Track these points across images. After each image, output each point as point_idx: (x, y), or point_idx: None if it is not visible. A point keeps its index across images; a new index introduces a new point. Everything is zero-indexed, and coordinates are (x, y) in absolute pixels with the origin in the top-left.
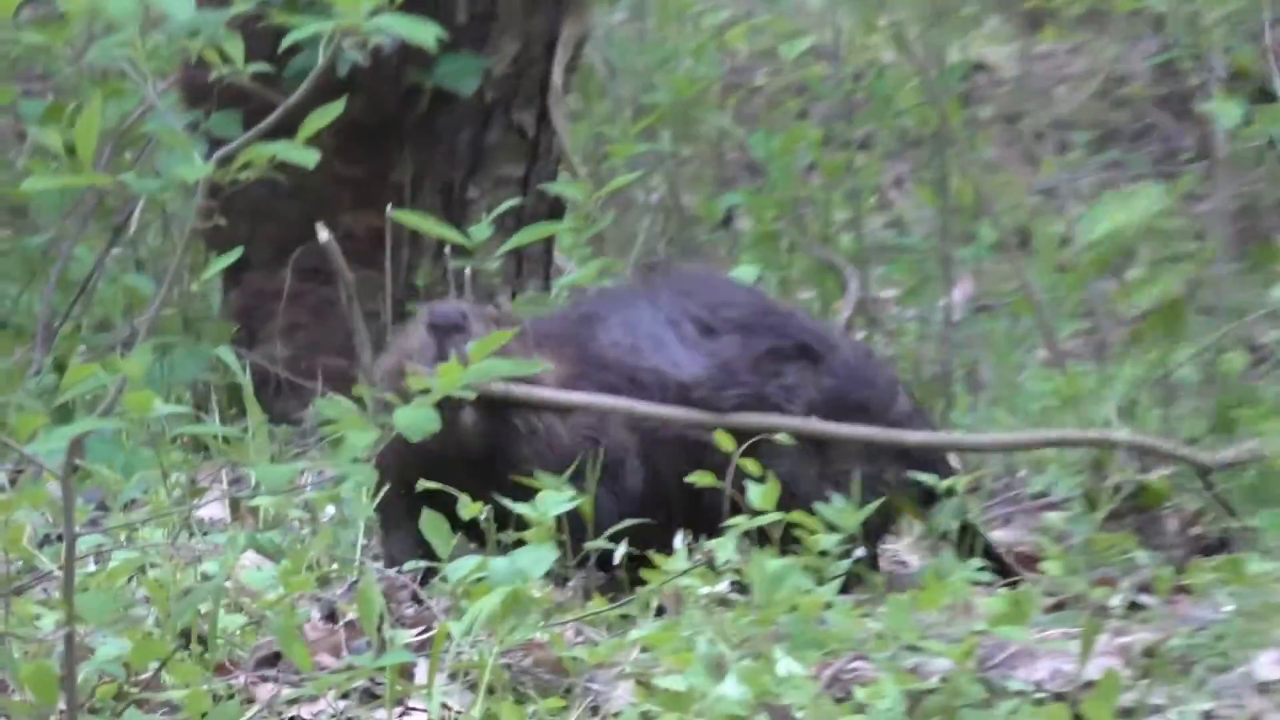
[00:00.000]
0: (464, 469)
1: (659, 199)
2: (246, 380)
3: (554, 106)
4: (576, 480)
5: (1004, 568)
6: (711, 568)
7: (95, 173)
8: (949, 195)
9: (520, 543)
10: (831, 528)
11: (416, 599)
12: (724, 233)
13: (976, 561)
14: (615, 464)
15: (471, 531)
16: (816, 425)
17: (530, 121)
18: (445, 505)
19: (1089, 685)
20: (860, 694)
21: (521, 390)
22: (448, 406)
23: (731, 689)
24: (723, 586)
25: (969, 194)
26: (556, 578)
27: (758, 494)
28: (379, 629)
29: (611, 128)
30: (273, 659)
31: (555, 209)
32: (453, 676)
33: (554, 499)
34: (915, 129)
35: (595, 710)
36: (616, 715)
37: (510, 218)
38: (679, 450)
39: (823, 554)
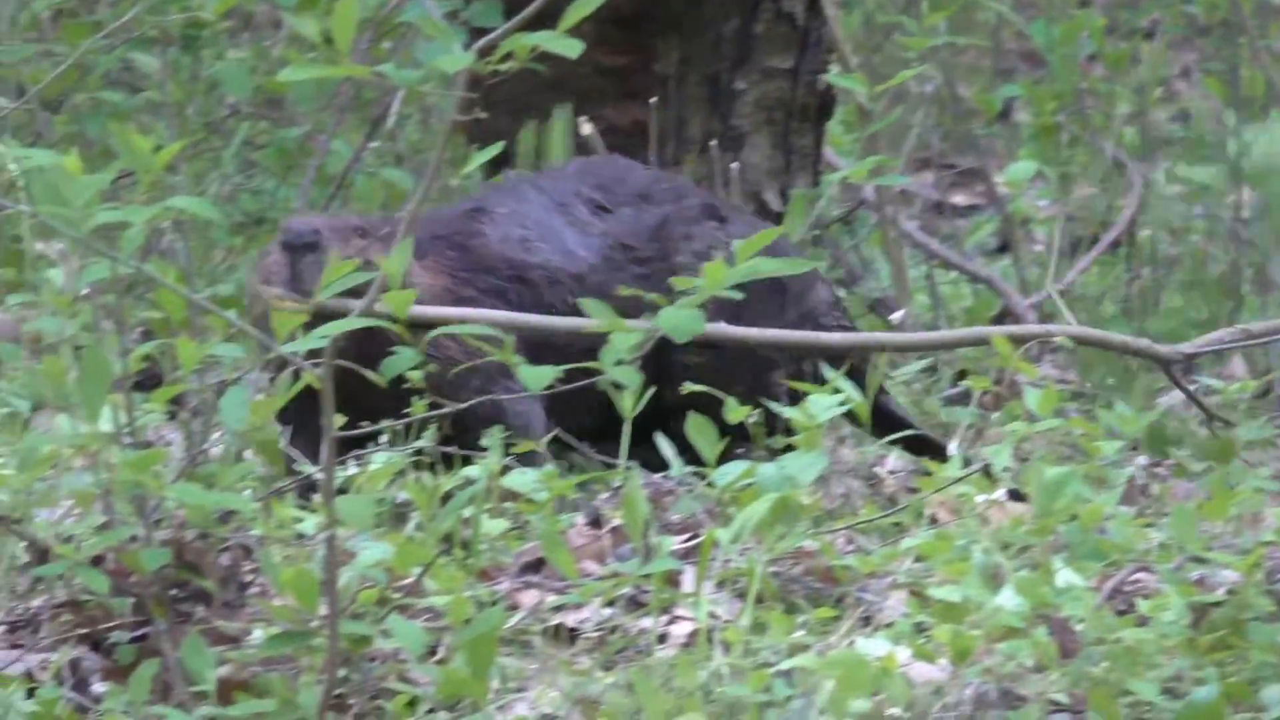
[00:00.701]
0: (363, 383)
1: (933, 90)
2: None
3: None
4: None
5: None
6: (987, 475)
7: (353, 63)
8: (1238, 86)
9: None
10: (1111, 434)
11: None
12: (1001, 126)
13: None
14: (507, 370)
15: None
16: (723, 331)
17: (799, 9)
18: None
19: None
20: (1143, 607)
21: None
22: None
23: (1009, 600)
24: (1000, 494)
25: (1260, 85)
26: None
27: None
28: (644, 535)
29: (884, 15)
30: (536, 565)
31: (825, 102)
32: (720, 584)
33: (825, 402)
34: (1203, 16)
35: (867, 620)
36: (889, 626)
37: (778, 110)
38: (562, 355)
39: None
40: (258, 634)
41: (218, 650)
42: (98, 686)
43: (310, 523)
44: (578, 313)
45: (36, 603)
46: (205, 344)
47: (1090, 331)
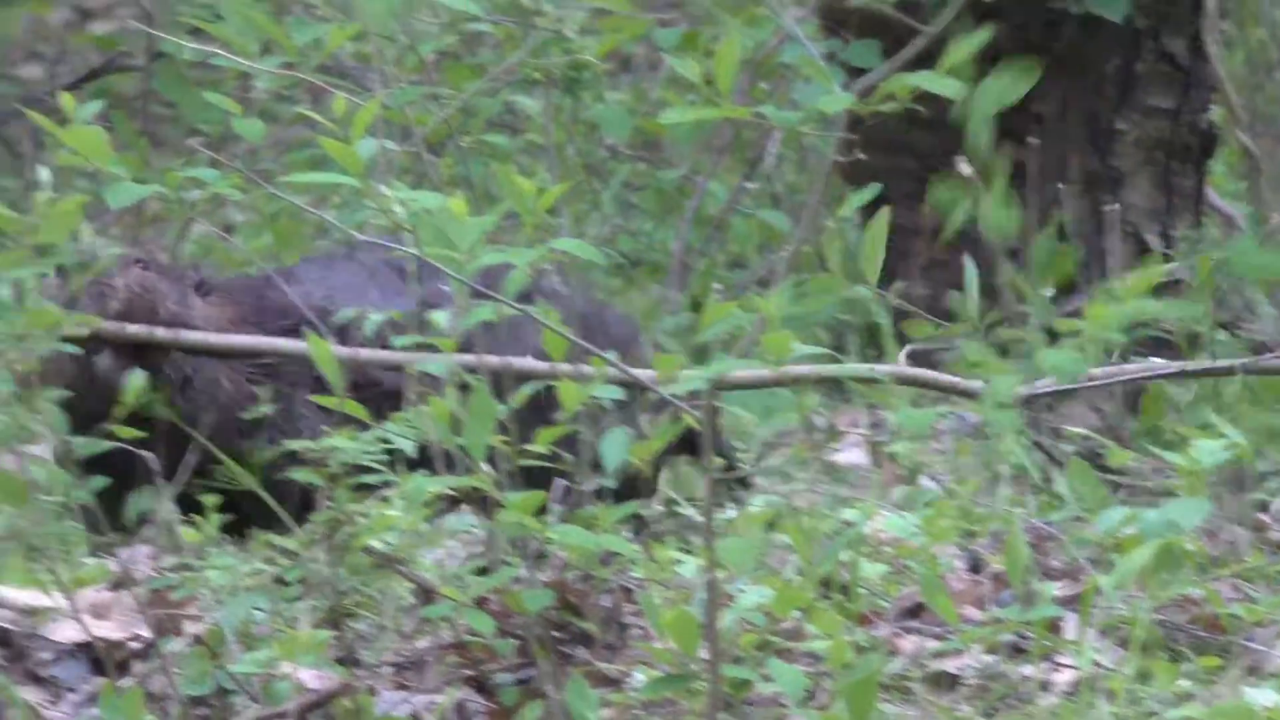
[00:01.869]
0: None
1: None
2: (886, 320)
3: (1207, 32)
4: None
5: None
6: None
7: (732, 105)
8: None
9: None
10: None
11: None
12: None
13: None
14: (288, 411)
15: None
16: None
17: (1182, 48)
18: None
19: None
20: None
21: (167, 334)
22: (88, 350)
23: None
24: None
25: None
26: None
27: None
28: (1025, 581)
29: (1268, 53)
30: (915, 610)
31: (1207, 142)
32: (1103, 632)
33: (1210, 448)
34: None
35: (1253, 669)
36: (1276, 675)
37: (1159, 150)
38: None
39: None
40: (639, 676)
41: (600, 692)
42: None
43: (690, 565)
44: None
45: (423, 644)
46: (585, 386)
47: (915, 372)
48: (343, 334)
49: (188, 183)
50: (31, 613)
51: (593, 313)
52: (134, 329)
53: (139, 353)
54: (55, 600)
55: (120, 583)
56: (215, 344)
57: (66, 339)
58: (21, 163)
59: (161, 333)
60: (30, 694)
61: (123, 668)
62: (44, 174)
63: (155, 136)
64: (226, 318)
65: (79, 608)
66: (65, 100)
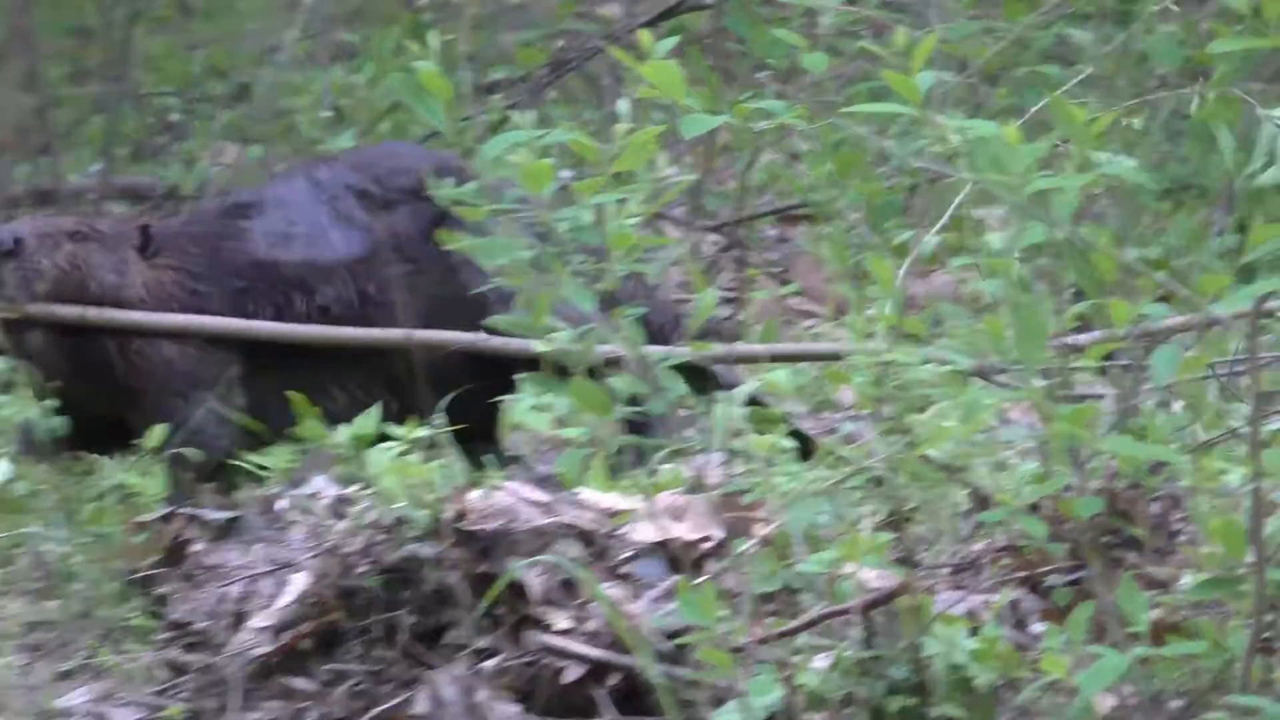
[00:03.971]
0: (87, 391)
1: None
2: None
3: None
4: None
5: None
6: None
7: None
8: None
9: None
10: None
11: None
12: None
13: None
14: (228, 378)
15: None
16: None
17: None
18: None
19: None
20: None
21: (97, 314)
22: (15, 330)
23: None
24: None
25: None
26: None
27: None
28: None
29: None
30: None
31: None
32: None
33: None
34: None
35: None
36: None
37: None
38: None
39: None
40: (1186, 580)
41: (1149, 594)
42: (1036, 626)
43: (1236, 475)
44: (341, 304)
45: (978, 547)
46: (1136, 304)
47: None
48: (287, 289)
49: (756, 114)
50: (613, 515)
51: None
52: (64, 311)
53: (72, 330)
54: (635, 503)
55: (694, 488)
56: (146, 324)
57: None
58: (602, 95)
59: (93, 314)
60: (612, 589)
61: (697, 566)
62: (623, 106)
63: (726, 71)
64: (171, 281)
65: (657, 510)
66: (643, 37)
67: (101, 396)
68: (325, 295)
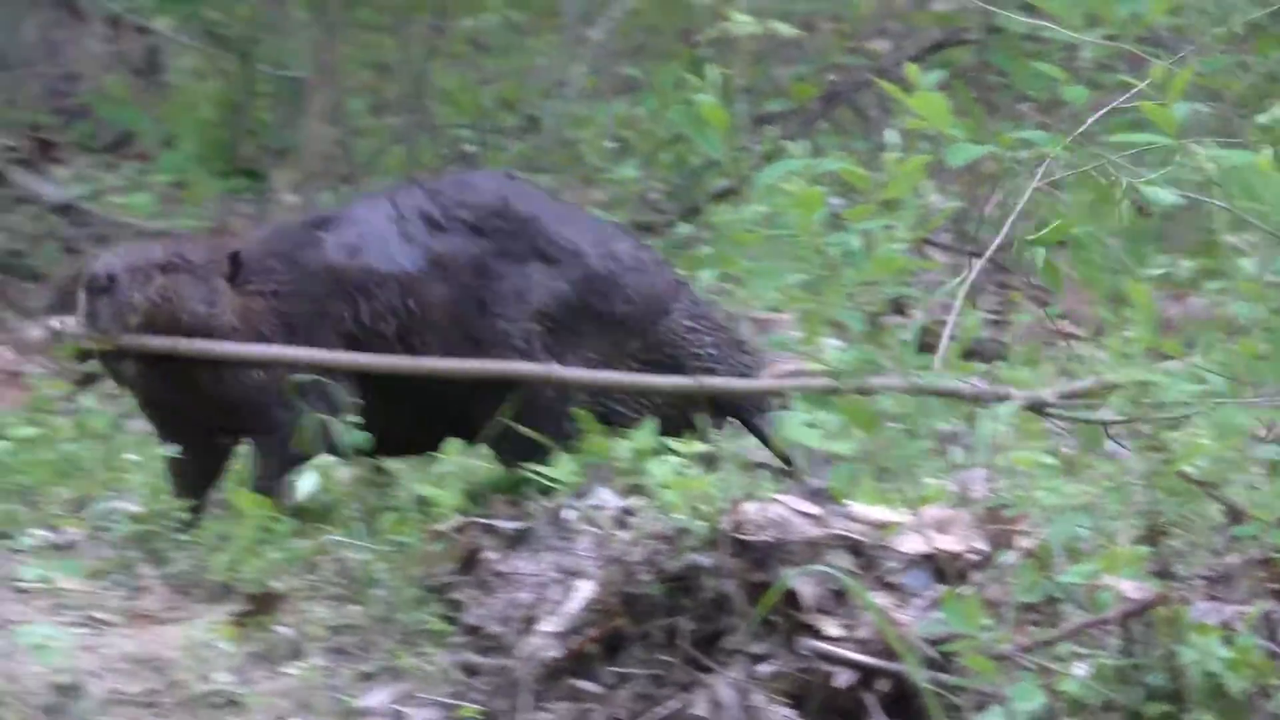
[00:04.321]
0: (189, 412)
1: None
2: None
3: None
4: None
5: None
6: None
7: None
8: None
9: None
10: None
11: None
12: None
13: None
14: (320, 386)
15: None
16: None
17: None
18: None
19: None
20: None
21: (189, 346)
22: (111, 360)
23: None
24: None
25: None
26: None
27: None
28: None
29: None
30: None
31: None
32: None
33: None
34: None
35: None
36: None
37: None
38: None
39: None
40: None
41: None
42: None
43: None
44: (393, 314)
45: (1232, 560)
46: None
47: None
48: (360, 293)
49: (1018, 143)
50: (881, 527)
51: (610, 270)
52: (157, 343)
53: (166, 358)
54: (902, 516)
55: (959, 501)
56: (235, 355)
57: (88, 354)
58: (870, 126)
59: (184, 345)
60: (881, 598)
61: (962, 577)
62: (891, 136)
63: (989, 102)
64: (261, 307)
65: (924, 523)
66: (910, 71)
67: (199, 413)
68: (380, 304)
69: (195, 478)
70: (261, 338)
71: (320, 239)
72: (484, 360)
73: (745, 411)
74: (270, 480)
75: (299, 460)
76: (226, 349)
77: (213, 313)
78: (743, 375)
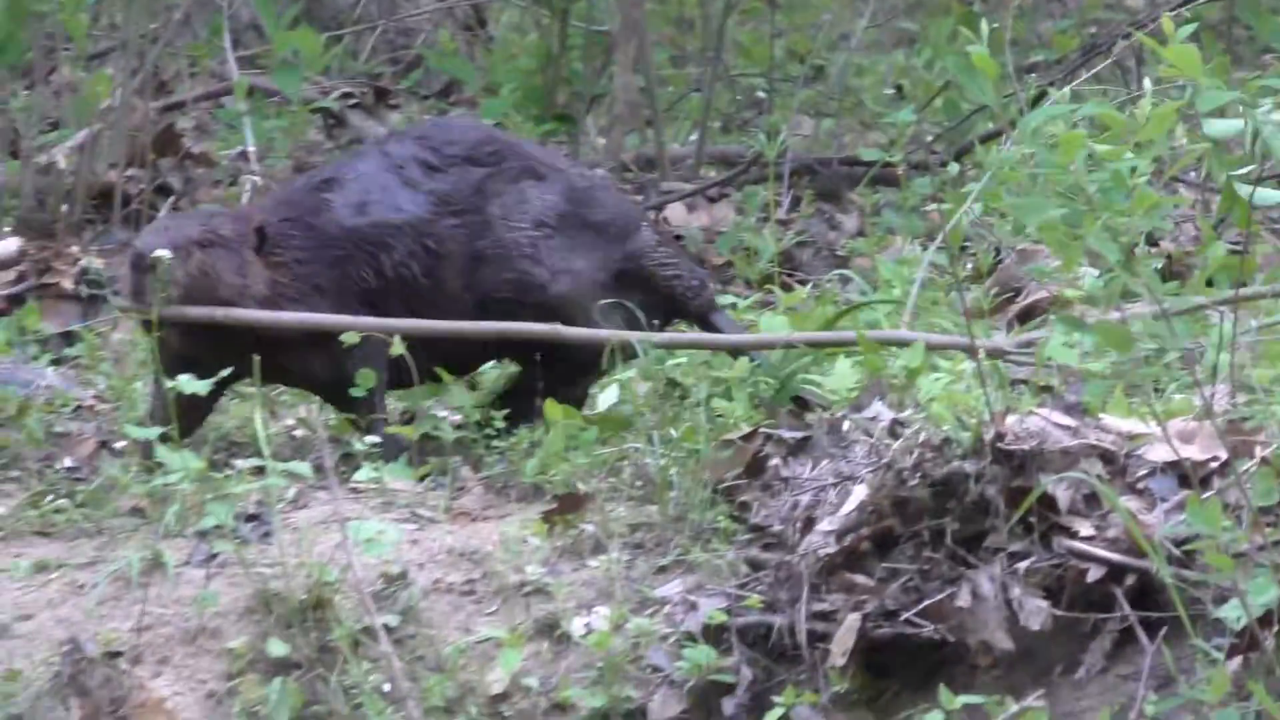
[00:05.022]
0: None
1: None
2: None
3: None
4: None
5: None
6: None
7: None
8: None
9: None
10: None
11: None
12: None
13: None
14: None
15: None
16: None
17: None
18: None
19: None
20: None
21: (223, 314)
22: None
23: None
24: None
25: None
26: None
27: None
28: None
29: None
30: None
31: None
32: None
33: None
34: None
35: None
36: None
37: None
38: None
39: None
40: None
41: None
42: None
43: None
44: (414, 257)
45: None
46: None
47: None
48: (375, 246)
49: (1264, 90)
50: (1131, 437)
51: (588, 184)
52: (194, 312)
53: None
54: (1150, 427)
55: (1203, 414)
56: (265, 320)
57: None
58: (1127, 76)
59: (220, 314)
60: (1129, 502)
61: (1205, 483)
62: (1146, 84)
63: (1235, 54)
64: (287, 277)
65: (1169, 433)
66: (1165, 24)
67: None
68: (400, 252)
69: (191, 414)
70: (293, 304)
71: (328, 201)
72: (499, 323)
73: (704, 311)
74: (376, 431)
75: (380, 403)
76: (261, 316)
77: (245, 284)
78: (701, 286)
